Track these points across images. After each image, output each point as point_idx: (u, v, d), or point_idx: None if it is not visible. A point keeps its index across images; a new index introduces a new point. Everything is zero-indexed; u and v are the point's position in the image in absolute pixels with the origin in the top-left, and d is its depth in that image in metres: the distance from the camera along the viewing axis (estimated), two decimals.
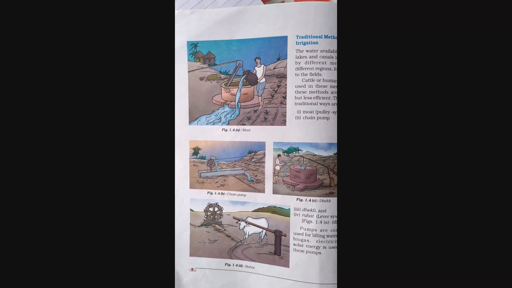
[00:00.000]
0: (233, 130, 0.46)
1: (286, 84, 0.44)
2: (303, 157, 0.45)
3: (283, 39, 0.44)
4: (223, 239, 0.49)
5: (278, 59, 0.44)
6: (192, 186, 0.50)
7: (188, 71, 0.48)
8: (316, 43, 0.44)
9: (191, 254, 0.50)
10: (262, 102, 0.46)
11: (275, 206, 0.46)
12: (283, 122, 0.44)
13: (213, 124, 0.47)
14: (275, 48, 0.44)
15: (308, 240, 0.45)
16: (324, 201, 0.45)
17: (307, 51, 0.43)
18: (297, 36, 0.43)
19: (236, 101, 0.46)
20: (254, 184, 0.47)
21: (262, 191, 0.47)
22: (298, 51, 0.44)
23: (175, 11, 0.47)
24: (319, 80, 0.44)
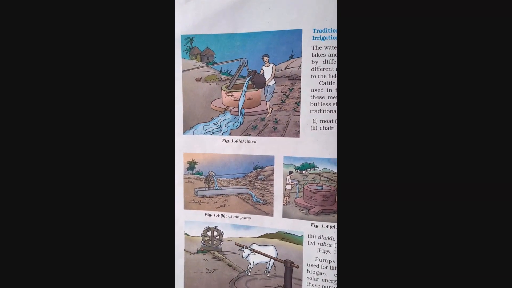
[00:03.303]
0: (236, 141, 0.41)
1: (300, 88, 0.39)
2: (320, 175, 0.39)
3: (297, 33, 0.38)
4: (223, 268, 0.44)
5: (291, 57, 0.39)
6: (187, 206, 0.44)
7: (182, 71, 0.42)
8: (337, 38, 0.37)
9: (186, 286, 0.45)
10: (270, 109, 0.40)
11: (285, 232, 0.41)
12: (296, 133, 0.39)
13: (212, 134, 0.42)
14: (287, 44, 0.38)
15: (324, 273, 0.40)
16: None
17: (325, 47, 0.38)
18: (314, 29, 0.38)
19: (240, 107, 0.41)
20: (261, 205, 0.42)
21: (270, 214, 0.42)
22: (315, 47, 0.38)
23: None
24: None
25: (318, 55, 0.38)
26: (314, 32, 0.38)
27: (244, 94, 0.41)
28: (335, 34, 0.37)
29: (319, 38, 0.38)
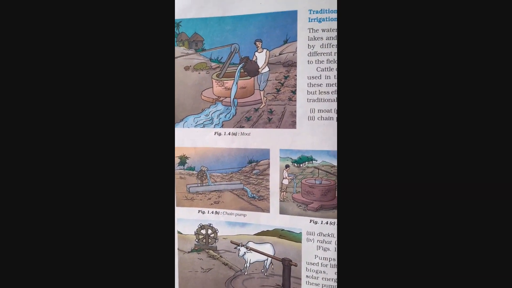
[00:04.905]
0: (229, 134, 0.39)
1: (295, 75, 0.36)
2: (318, 169, 0.37)
3: (292, 15, 0.35)
4: (219, 267, 0.42)
5: (285, 42, 0.36)
6: (179, 203, 0.42)
7: None
8: (335, 19, 0.34)
9: (181, 286, 0.43)
10: (265, 98, 0.38)
11: (282, 229, 0.39)
12: (292, 124, 0.37)
13: (203, 127, 0.40)
14: (281, 27, 0.36)
15: (324, 272, 0.38)
16: None
17: (323, 30, 0.35)
18: (310, 10, 0.35)
19: (232, 97, 0.39)
20: (256, 201, 0.40)
21: (267, 210, 0.39)
22: (311, 30, 0.35)
23: None
24: None
25: (315, 38, 0.35)
26: (310, 13, 0.35)
27: (236, 83, 0.38)
28: (334, 15, 0.34)
29: (315, 20, 0.34)
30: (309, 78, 0.35)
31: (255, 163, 0.39)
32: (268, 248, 0.40)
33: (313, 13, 0.34)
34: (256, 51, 0.37)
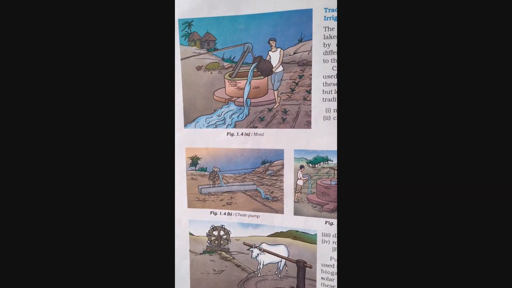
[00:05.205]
0: (242, 134, 0.39)
1: (310, 74, 0.36)
2: (334, 169, 0.36)
3: (307, 14, 0.35)
4: (231, 269, 0.41)
5: (300, 41, 0.35)
6: (190, 204, 0.41)
7: (181, 59, 0.39)
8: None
9: (193, 287, 0.42)
10: (279, 98, 0.37)
11: (297, 231, 0.39)
12: (307, 124, 0.36)
13: (216, 127, 0.39)
14: (295, 25, 0.35)
15: None
16: None
17: None
18: (326, 9, 0.34)
19: (245, 97, 0.38)
20: (270, 202, 0.39)
21: (281, 211, 0.39)
22: (327, 29, 0.35)
23: None
24: None
25: (330, 37, 0.34)
26: (326, 11, 0.34)
27: (250, 82, 0.37)
28: None
29: (331, 18, 0.34)
30: (324, 77, 0.35)
31: (268, 164, 0.38)
32: (282, 250, 0.39)
33: (329, 11, 0.34)
34: (270, 50, 0.36)
